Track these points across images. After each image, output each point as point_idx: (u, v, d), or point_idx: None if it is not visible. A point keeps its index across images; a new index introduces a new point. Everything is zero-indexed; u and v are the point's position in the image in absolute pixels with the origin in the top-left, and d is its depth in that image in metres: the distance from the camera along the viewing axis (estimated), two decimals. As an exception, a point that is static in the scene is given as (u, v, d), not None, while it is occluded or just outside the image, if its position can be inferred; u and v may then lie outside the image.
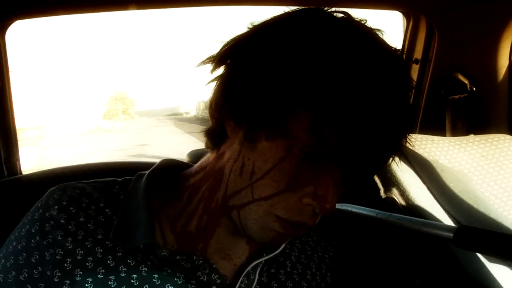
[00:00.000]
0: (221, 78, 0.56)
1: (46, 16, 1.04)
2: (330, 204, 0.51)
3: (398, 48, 0.54)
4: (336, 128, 0.47)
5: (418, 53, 1.38)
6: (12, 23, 1.03)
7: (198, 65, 0.57)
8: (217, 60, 0.56)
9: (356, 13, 0.55)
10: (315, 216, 0.54)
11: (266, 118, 0.51)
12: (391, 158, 0.55)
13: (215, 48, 0.57)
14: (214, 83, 0.57)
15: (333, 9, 0.55)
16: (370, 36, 0.52)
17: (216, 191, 0.57)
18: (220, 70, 0.57)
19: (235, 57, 0.55)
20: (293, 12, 0.55)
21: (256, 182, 0.52)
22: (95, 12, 1.08)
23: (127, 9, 1.10)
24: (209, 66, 0.57)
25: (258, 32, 0.54)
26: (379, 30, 0.54)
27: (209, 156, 0.61)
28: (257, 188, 0.52)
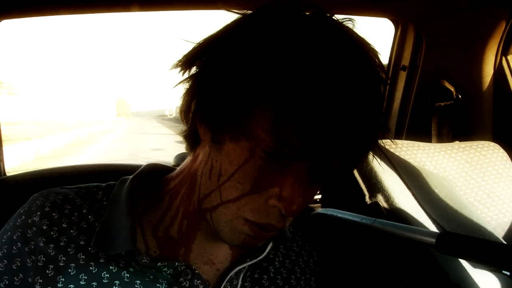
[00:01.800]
0: (189, 81, 0.56)
1: (34, 16, 1.04)
2: (295, 205, 0.50)
3: (368, 41, 0.52)
4: (296, 128, 0.46)
5: (406, 60, 1.39)
6: (-1, 22, 1.02)
7: (170, 69, 0.56)
8: (185, 62, 0.55)
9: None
10: (283, 218, 0.53)
11: (229, 119, 0.50)
12: (363, 157, 0.54)
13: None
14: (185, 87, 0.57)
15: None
16: (337, 32, 0.50)
17: (192, 194, 0.57)
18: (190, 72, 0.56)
19: (202, 58, 0.54)
20: (260, 9, 0.53)
21: (223, 184, 0.51)
22: (85, 13, 1.08)
23: (120, 11, 1.10)
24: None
25: (225, 32, 0.53)
26: (350, 20, 0.52)
27: (188, 159, 0.61)
28: (224, 190, 0.51)
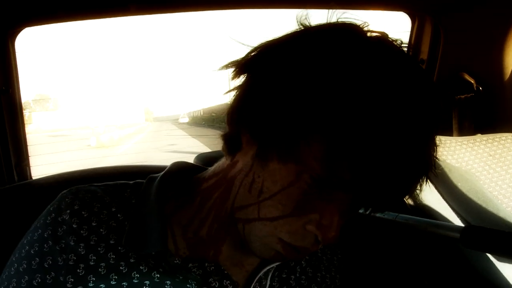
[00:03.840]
0: (241, 87, 0.54)
1: (55, 22, 1.06)
2: (333, 234, 0.50)
3: (430, 80, 0.50)
4: (348, 161, 0.46)
5: (423, 54, 1.37)
6: (21, 30, 1.05)
7: (221, 69, 0.56)
8: (240, 67, 0.54)
9: (362, 14, 0.53)
10: (317, 243, 0.52)
11: (279, 139, 0.49)
12: (407, 194, 0.52)
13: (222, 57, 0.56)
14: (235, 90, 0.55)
15: (367, 26, 0.51)
16: (400, 63, 0.49)
17: (226, 200, 0.56)
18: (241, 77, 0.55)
19: (257, 67, 0.53)
20: (324, 26, 0.52)
21: (263, 202, 0.51)
22: (104, 18, 1.09)
23: (138, 14, 1.11)
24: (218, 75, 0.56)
25: (285, 44, 0.52)
26: (411, 50, 0.51)
27: (223, 162, 0.60)
28: (263, 208, 0.51)
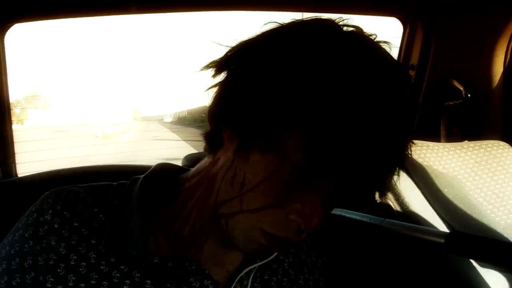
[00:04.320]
0: (221, 85, 0.55)
1: (46, 19, 1.05)
2: (315, 222, 0.51)
3: (404, 72, 0.51)
4: (328, 149, 0.47)
5: (414, 59, 1.39)
6: (11, 26, 1.04)
7: (202, 69, 0.56)
8: (219, 65, 0.55)
9: (354, 19, 0.53)
10: (300, 233, 0.53)
11: (259, 131, 0.50)
12: (386, 180, 0.53)
13: (214, 54, 0.56)
14: (215, 88, 0.56)
15: (343, 21, 0.53)
16: (376, 56, 0.50)
17: (209, 197, 0.57)
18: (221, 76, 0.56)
19: (236, 64, 0.54)
20: (299, 22, 0.53)
21: (245, 194, 0.51)
22: (96, 16, 1.09)
23: (130, 13, 1.10)
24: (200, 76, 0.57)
25: (262, 41, 0.53)
26: (386, 42, 0.52)
27: (205, 161, 0.60)
28: (246, 200, 0.51)
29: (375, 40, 0.52)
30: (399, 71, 0.51)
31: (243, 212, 0.52)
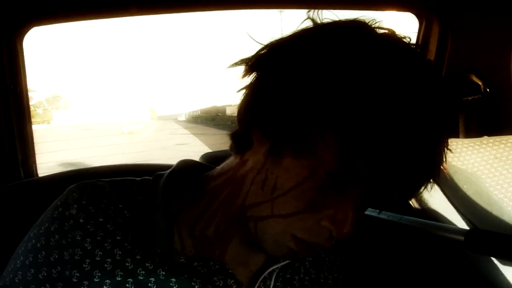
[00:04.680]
0: (252, 85, 0.54)
1: (63, 22, 1.06)
2: (348, 229, 0.50)
3: (440, 77, 0.52)
4: (364, 155, 0.46)
5: (431, 55, 1.37)
6: (30, 29, 1.06)
7: (230, 66, 0.56)
8: (251, 65, 0.54)
9: (369, 14, 0.53)
10: (331, 239, 0.52)
11: (293, 136, 0.49)
12: (420, 189, 0.52)
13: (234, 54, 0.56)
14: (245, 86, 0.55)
15: (376, 23, 0.52)
16: (406, 57, 0.49)
17: (236, 198, 0.56)
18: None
19: (268, 65, 0.53)
20: (333, 24, 0.52)
21: (277, 198, 0.50)
22: (114, 17, 1.10)
23: (145, 14, 1.11)
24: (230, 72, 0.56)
25: (296, 41, 0.52)
26: (419, 47, 0.52)
27: (232, 161, 0.60)
28: (277, 205, 0.51)
29: (408, 42, 0.51)
30: (433, 73, 0.50)
31: (274, 216, 0.51)
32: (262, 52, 0.54)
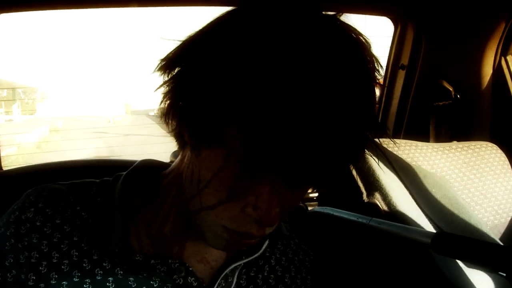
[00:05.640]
0: (168, 85, 0.53)
1: (31, 10, 1.03)
2: (272, 215, 0.49)
3: (362, 37, 0.47)
4: (266, 139, 0.44)
5: (405, 59, 1.39)
6: (-4, 16, 1.02)
7: (153, 72, 0.54)
8: (164, 65, 0.53)
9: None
10: (262, 227, 0.51)
11: (204, 127, 0.49)
12: (351, 159, 0.50)
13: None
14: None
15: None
16: (320, 30, 0.46)
17: (182, 195, 0.56)
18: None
19: (181, 63, 0.52)
20: (242, 5, 0.50)
21: (202, 190, 0.50)
22: (82, 8, 1.07)
23: (116, 6, 1.09)
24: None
25: (202, 36, 0.51)
26: (339, 15, 0.48)
27: (178, 159, 0.60)
28: (203, 197, 0.51)
29: (323, 15, 0.48)
30: (343, 41, 0.46)
31: (203, 209, 0.51)
32: (175, 50, 0.52)
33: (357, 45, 0.47)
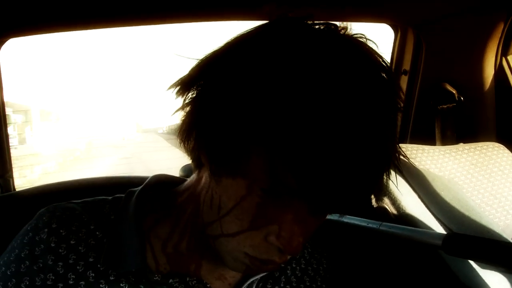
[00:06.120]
0: (188, 105, 0.52)
1: (41, 33, 1.05)
2: (296, 243, 0.48)
3: (384, 62, 0.47)
4: (292, 169, 0.44)
5: (406, 64, 1.40)
6: (6, 40, 1.04)
7: (168, 89, 0.53)
8: (182, 86, 0.52)
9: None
10: (282, 255, 0.51)
11: (227, 155, 0.48)
12: (373, 189, 0.49)
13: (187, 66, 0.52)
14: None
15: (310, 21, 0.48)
16: (346, 56, 0.45)
17: (198, 216, 0.56)
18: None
19: (199, 82, 0.51)
20: (261, 27, 0.49)
21: (223, 218, 0.50)
22: (93, 29, 1.09)
23: (125, 26, 1.11)
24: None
25: (224, 54, 0.49)
26: (362, 36, 0.48)
27: (193, 176, 0.59)
28: (224, 224, 0.50)
29: (348, 38, 0.47)
30: (369, 71, 0.46)
31: (224, 235, 0.51)
32: (194, 69, 0.51)
33: (384, 72, 0.47)
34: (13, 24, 0.99)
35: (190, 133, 0.52)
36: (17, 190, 1.09)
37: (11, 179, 1.09)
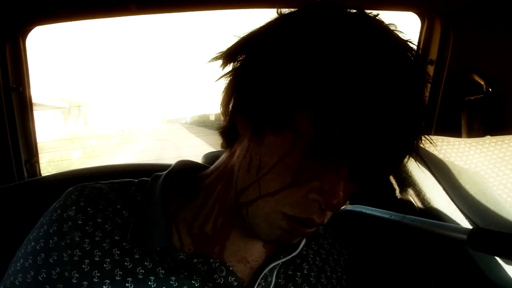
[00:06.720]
0: (230, 75, 0.56)
1: (66, 21, 1.07)
2: (337, 199, 0.50)
3: (412, 43, 0.53)
4: (340, 122, 0.47)
5: (433, 54, 1.37)
6: (32, 28, 1.06)
7: (211, 61, 0.57)
8: (227, 55, 0.56)
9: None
10: (322, 213, 0.52)
11: (272, 112, 0.50)
12: (404, 158, 0.53)
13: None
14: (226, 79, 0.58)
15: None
16: (380, 31, 0.50)
17: (229, 190, 0.57)
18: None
19: (244, 53, 0.55)
20: (304, 7, 0.54)
21: (263, 177, 0.51)
22: (117, 17, 1.10)
23: (148, 13, 1.12)
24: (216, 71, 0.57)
25: (268, 28, 0.54)
26: (392, 24, 0.53)
27: (223, 156, 0.61)
28: (264, 183, 0.51)
29: (378, 20, 0.53)
30: (404, 48, 0.51)
31: (262, 197, 0.52)
32: (238, 42, 0.55)
33: (411, 47, 0.52)
34: (38, 11, 1.01)
35: (231, 100, 0.55)
36: (43, 175, 1.12)
37: (37, 164, 1.11)
